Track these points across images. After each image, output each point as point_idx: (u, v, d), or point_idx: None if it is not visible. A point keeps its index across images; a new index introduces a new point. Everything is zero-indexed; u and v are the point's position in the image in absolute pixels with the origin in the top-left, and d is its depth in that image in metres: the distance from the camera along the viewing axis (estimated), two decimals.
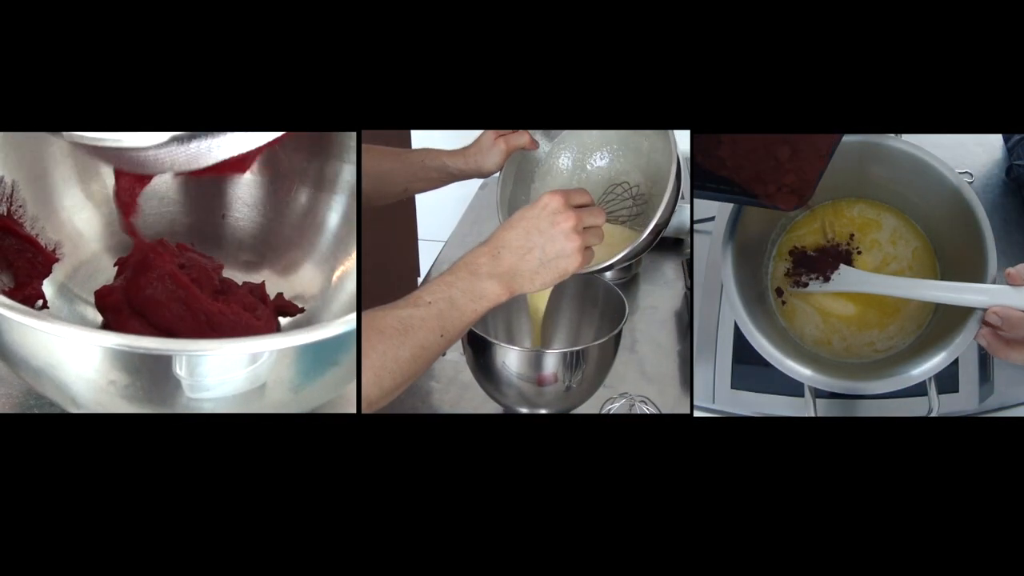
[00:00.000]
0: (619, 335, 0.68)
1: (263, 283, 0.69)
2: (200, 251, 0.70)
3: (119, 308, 0.62)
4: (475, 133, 0.71)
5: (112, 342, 0.49)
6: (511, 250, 0.54)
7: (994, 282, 0.58)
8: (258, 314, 0.64)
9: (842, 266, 0.66)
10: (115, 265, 0.66)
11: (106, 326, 0.62)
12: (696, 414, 0.70)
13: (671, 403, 0.76)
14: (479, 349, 0.67)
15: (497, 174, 0.71)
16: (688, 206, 1.14)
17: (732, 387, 0.68)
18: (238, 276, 0.70)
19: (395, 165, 0.73)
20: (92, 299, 0.64)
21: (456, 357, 0.72)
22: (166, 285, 0.61)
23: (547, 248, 0.53)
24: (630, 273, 1.05)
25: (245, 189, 0.75)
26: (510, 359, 0.66)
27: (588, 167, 0.72)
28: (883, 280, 0.63)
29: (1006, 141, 0.78)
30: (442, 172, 0.72)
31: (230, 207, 0.75)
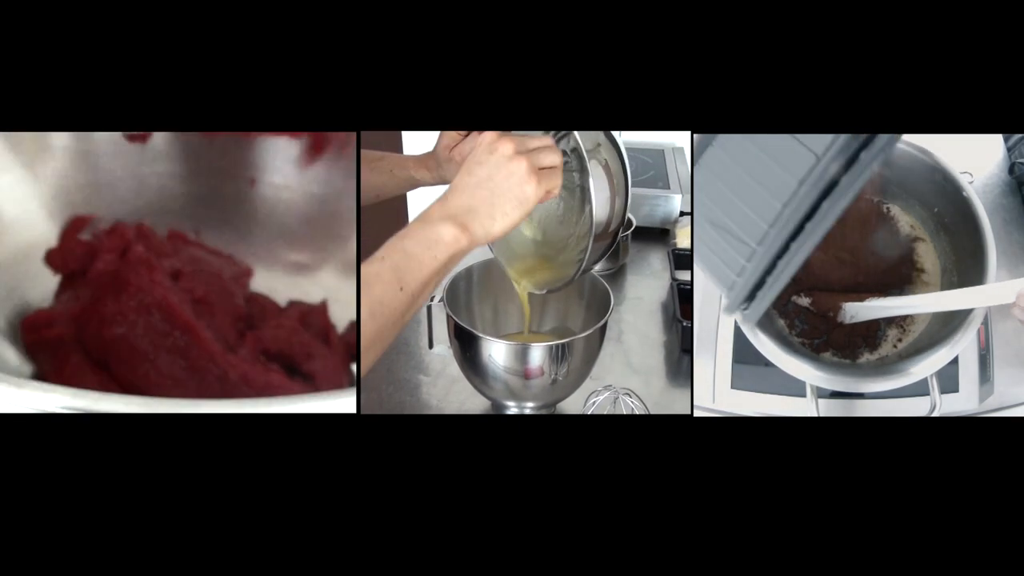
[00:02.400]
0: (604, 327, 0.68)
1: (324, 303, 0.43)
2: (210, 245, 0.43)
3: (64, 349, 0.36)
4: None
5: (55, 405, 0.29)
6: (458, 190, 0.52)
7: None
8: (314, 364, 0.39)
9: (860, 305, 0.64)
10: (55, 271, 0.38)
11: (40, 376, 0.37)
12: (696, 414, 0.70)
13: (657, 394, 0.76)
14: (466, 342, 0.67)
15: None
16: (676, 196, 1.15)
17: (732, 387, 0.68)
18: (279, 286, 0.43)
19: (367, 174, 0.74)
20: (16, 332, 0.37)
21: (444, 351, 0.71)
22: (150, 319, 0.34)
23: (494, 177, 0.51)
24: (617, 264, 1.06)
25: (284, 142, 0.44)
26: (497, 352, 0.66)
27: None
28: (907, 301, 0.62)
29: (1006, 141, 0.78)
30: (411, 181, 0.74)
31: (262, 169, 0.45)
